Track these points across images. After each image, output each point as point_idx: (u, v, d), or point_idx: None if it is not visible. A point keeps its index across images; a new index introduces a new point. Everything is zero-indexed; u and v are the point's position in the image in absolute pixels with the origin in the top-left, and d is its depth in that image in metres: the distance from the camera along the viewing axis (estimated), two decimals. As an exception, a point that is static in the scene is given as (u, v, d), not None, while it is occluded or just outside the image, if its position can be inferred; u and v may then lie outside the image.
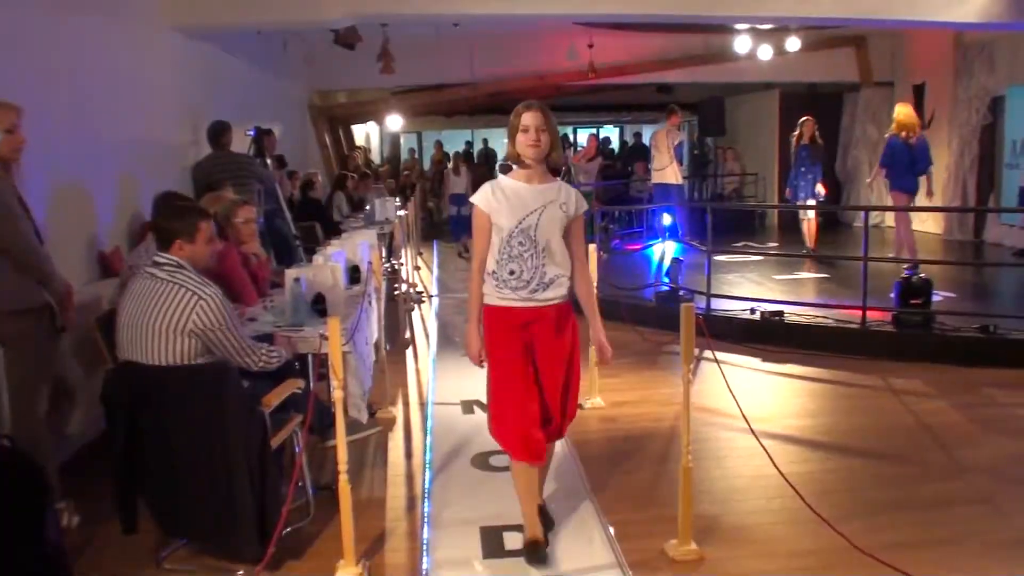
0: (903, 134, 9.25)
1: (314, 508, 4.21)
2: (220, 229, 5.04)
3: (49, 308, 4.03)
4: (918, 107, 14.05)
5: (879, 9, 8.84)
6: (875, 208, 13.94)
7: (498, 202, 3.60)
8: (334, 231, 9.20)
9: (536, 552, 3.75)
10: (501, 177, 3.70)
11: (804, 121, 11.27)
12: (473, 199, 3.67)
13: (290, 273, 4.86)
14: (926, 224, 13.85)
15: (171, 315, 3.52)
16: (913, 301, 7.30)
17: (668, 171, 11.76)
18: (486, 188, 3.66)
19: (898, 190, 9.34)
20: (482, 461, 5.00)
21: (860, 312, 7.36)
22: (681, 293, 8.46)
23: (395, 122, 16.97)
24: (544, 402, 3.71)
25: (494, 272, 3.62)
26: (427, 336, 8.44)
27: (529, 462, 3.70)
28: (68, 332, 4.18)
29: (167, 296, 3.55)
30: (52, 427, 4.16)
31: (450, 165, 16.29)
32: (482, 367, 3.76)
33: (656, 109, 21.29)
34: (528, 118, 3.57)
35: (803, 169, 11.08)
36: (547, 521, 3.98)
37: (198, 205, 4.05)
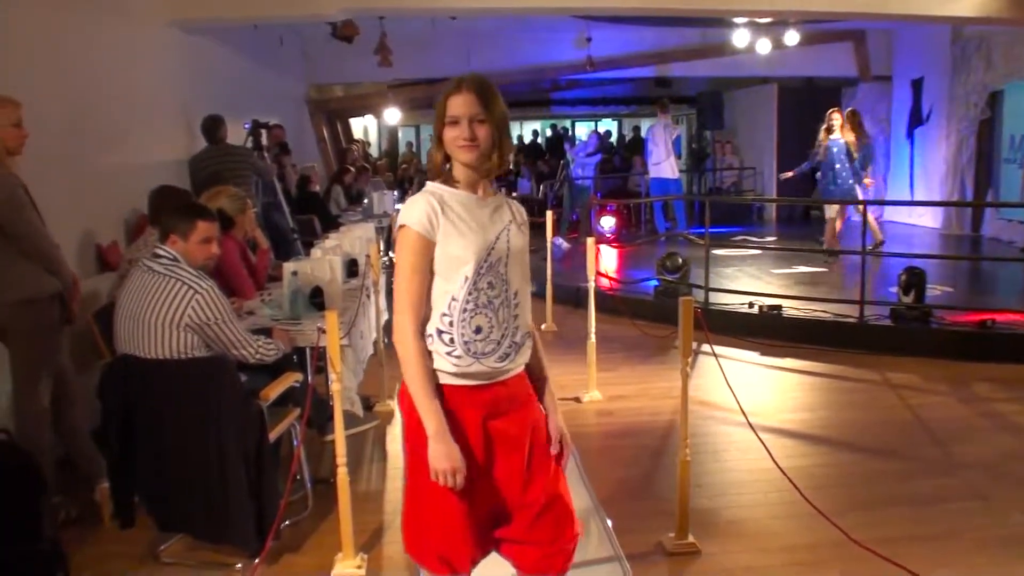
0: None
1: (312, 501, 4.22)
2: (229, 223, 5.05)
3: (57, 298, 4.05)
4: (916, 102, 14.10)
5: (877, 4, 8.85)
6: (873, 202, 13.94)
7: (450, 222, 2.37)
8: (332, 225, 9.21)
9: None
10: (436, 185, 2.45)
11: (848, 112, 10.22)
12: (404, 218, 2.40)
13: (288, 266, 4.86)
14: (923, 219, 13.87)
15: (167, 309, 3.53)
16: (910, 296, 7.31)
17: (665, 165, 11.91)
18: (421, 201, 2.39)
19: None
20: (480, 455, 5.01)
21: (858, 306, 7.37)
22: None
23: (393, 116, 16.94)
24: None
25: (443, 332, 2.36)
26: (425, 330, 8.44)
27: None
28: (69, 325, 4.19)
29: (163, 290, 3.56)
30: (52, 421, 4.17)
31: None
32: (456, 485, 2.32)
33: (655, 103, 21.36)
34: (458, 105, 2.38)
35: (838, 166, 9.99)
36: None
37: (205, 206, 4.06)
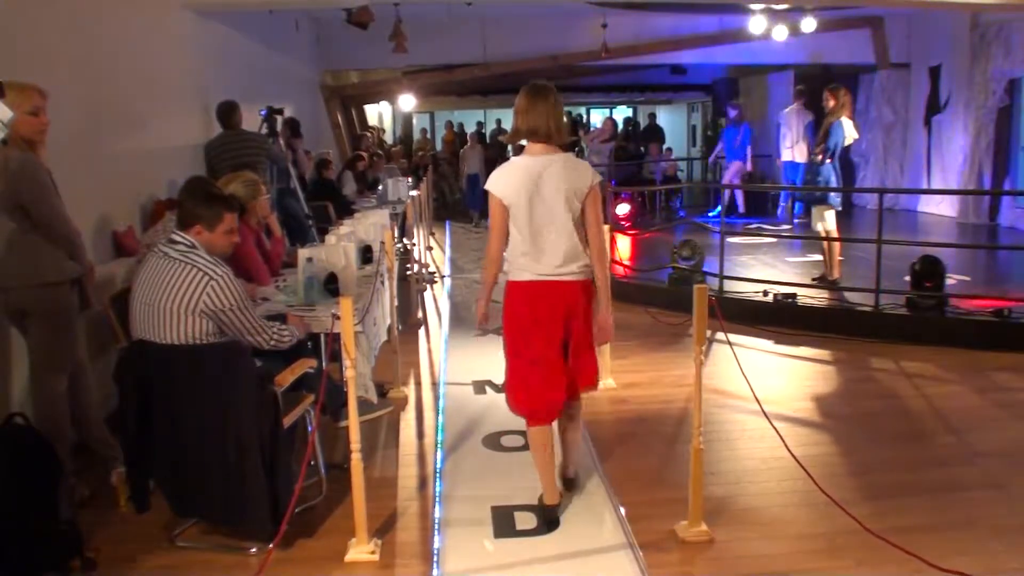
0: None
1: (326, 487, 4.23)
2: (242, 209, 5.05)
3: (76, 284, 4.08)
4: (934, 89, 13.97)
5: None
6: (890, 190, 13.86)
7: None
8: (346, 211, 9.21)
9: (548, 515, 3.94)
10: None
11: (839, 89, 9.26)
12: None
13: (303, 253, 4.86)
14: (940, 207, 13.77)
15: (182, 295, 3.53)
16: (927, 284, 7.26)
17: (795, 149, 12.80)
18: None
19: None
20: (493, 441, 5.02)
21: (873, 295, 7.33)
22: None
23: (407, 102, 16.94)
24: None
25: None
26: (439, 316, 8.46)
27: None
28: (85, 310, 4.22)
29: (178, 276, 3.56)
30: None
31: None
32: None
33: (670, 90, 21.23)
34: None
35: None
36: (569, 483, 4.25)
37: (229, 196, 4.06)
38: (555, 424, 3.96)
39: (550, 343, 3.75)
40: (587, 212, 3.72)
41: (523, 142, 3.81)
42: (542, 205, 3.66)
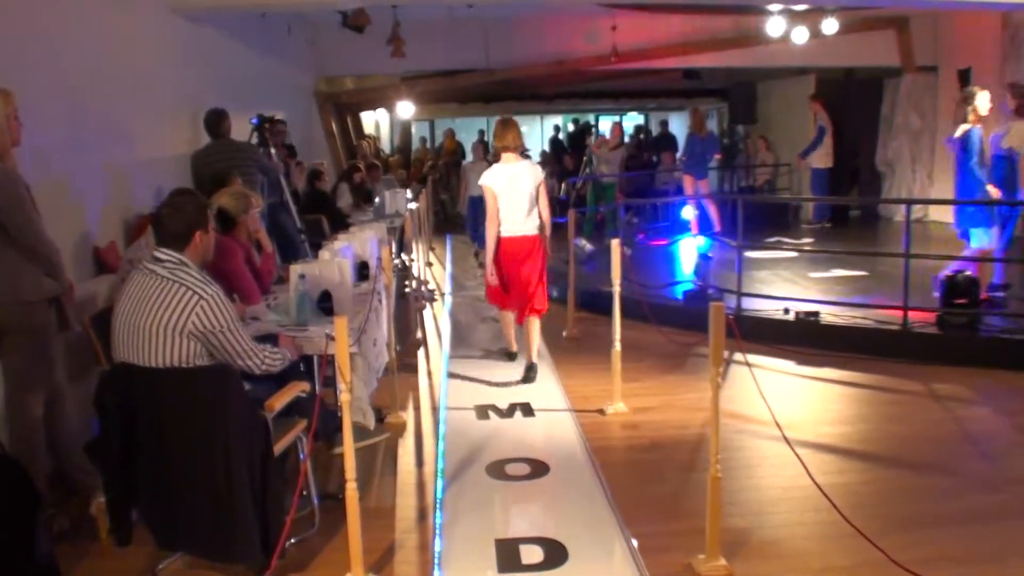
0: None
1: (320, 518, 4.23)
2: (231, 223, 5.07)
3: (54, 303, 4.09)
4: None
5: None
6: (917, 201, 13.86)
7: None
8: (341, 225, 9.24)
9: (510, 357, 7.22)
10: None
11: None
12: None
13: (295, 269, 4.88)
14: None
15: (170, 315, 3.52)
16: (958, 301, 7.24)
17: (816, 155, 13.57)
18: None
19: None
20: (497, 469, 5.01)
21: (901, 312, 7.32)
22: (710, 291, 8.45)
23: (406, 109, 17.00)
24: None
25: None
26: (439, 336, 8.46)
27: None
28: (64, 332, 4.23)
29: (167, 294, 3.55)
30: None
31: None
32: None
33: (683, 96, 21.26)
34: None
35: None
36: (530, 368, 6.75)
37: (194, 191, 4.07)
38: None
39: (515, 271, 6.58)
40: (540, 196, 6.54)
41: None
42: (516, 192, 6.45)
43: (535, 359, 6.82)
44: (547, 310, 6.80)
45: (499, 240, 6.53)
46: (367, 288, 5.51)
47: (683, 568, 3.84)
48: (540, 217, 6.57)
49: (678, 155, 15.46)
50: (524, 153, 7.08)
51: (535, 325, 6.78)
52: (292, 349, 4.15)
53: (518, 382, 6.63)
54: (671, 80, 18.59)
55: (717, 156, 14.39)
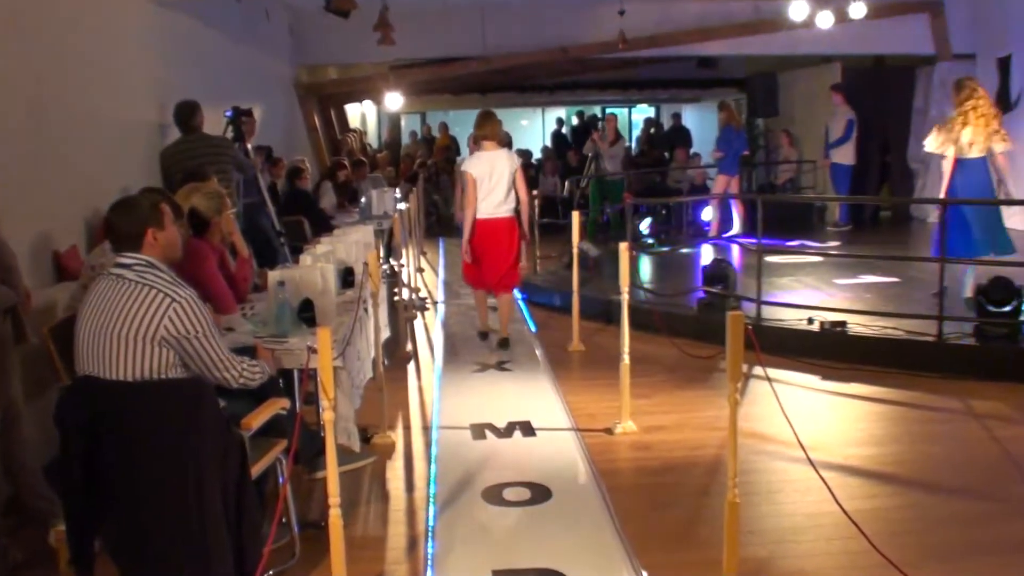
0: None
1: (300, 548, 4.22)
2: (204, 225, 5.07)
3: (9, 313, 4.07)
4: (1003, 83, 14.01)
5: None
6: (953, 201, 13.84)
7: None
8: (324, 227, 9.24)
9: (483, 336, 8.50)
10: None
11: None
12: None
13: (273, 275, 4.88)
14: (1012, 220, 13.74)
15: (140, 320, 3.49)
16: (999, 310, 7.23)
17: (840, 151, 13.92)
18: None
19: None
20: (495, 494, 5.01)
21: (936, 323, 7.32)
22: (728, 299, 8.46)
23: (395, 101, 17.02)
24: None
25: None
26: (431, 349, 8.47)
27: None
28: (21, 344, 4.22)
29: (135, 299, 3.51)
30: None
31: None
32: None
33: (698, 86, 21.32)
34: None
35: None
36: (504, 342, 8.17)
37: (146, 190, 4.04)
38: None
39: (490, 252, 7.86)
40: (517, 181, 7.81)
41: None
42: (494, 177, 7.71)
43: (507, 334, 8.27)
44: (517, 283, 8.53)
45: (475, 222, 7.79)
46: (352, 296, 5.51)
47: (698, 602, 3.84)
48: (517, 200, 7.86)
49: (692, 150, 15.48)
50: (505, 143, 8.52)
51: (507, 301, 8.25)
52: (270, 362, 4.14)
53: (497, 350, 8.07)
54: (684, 69, 18.64)
55: (745, 152, 14.60)
